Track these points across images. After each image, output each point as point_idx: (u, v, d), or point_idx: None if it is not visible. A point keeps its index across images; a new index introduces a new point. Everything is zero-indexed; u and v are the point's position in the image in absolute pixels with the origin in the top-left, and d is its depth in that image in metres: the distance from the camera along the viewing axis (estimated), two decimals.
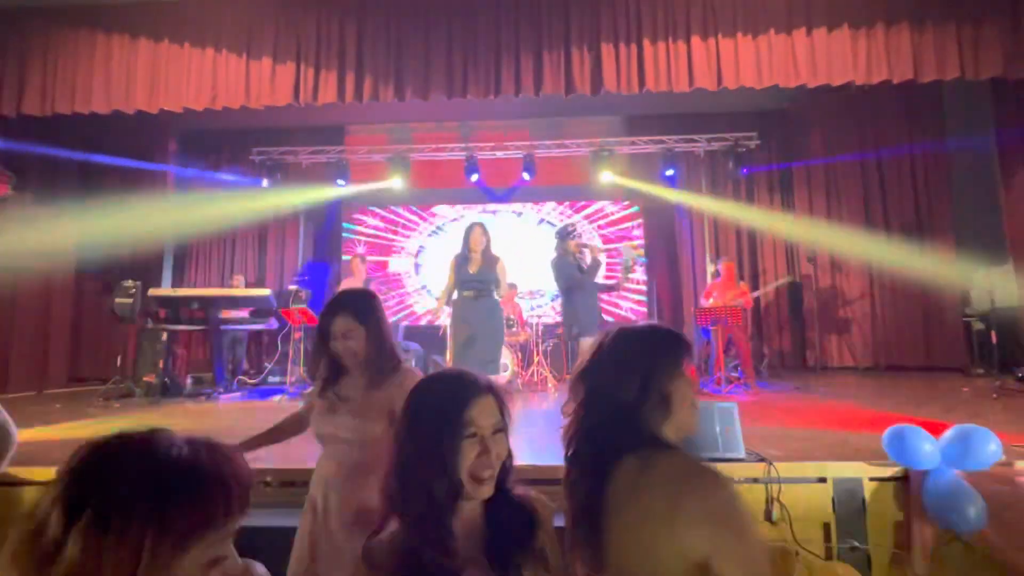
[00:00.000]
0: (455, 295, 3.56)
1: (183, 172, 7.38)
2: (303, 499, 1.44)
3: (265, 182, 6.90)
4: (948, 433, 2.37)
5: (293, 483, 2.11)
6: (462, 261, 3.56)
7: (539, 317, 6.34)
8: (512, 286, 6.22)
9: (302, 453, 2.80)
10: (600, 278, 4.15)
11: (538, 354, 5.82)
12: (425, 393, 0.93)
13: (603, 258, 4.03)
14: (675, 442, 0.95)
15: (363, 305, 1.44)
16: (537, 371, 5.80)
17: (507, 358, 5.42)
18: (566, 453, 1.01)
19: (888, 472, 2.15)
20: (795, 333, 6.82)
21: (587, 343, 3.73)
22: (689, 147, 6.88)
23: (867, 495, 2.13)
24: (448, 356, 3.41)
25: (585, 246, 4.04)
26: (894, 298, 6.37)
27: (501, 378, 5.14)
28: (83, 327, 6.69)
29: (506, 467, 0.93)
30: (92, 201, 6.80)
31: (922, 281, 6.08)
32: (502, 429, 0.92)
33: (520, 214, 7.58)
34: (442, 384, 0.95)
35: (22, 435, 2.01)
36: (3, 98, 5.05)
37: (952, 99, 6.02)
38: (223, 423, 3.83)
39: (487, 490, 0.88)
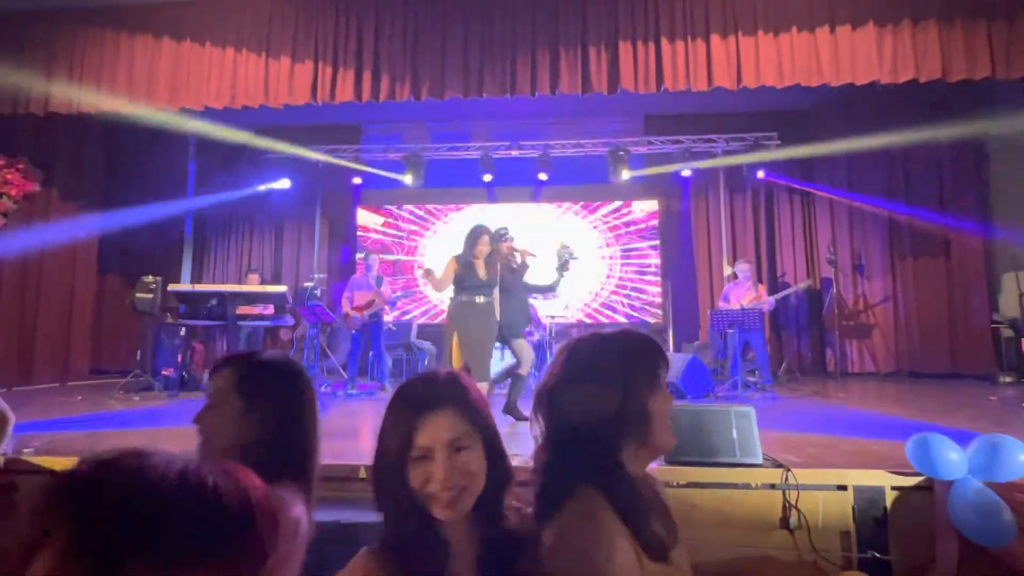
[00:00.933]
0: (461, 297, 3.50)
1: (202, 169, 7.51)
2: (343, 495, 1.42)
3: (287, 182, 6.98)
4: (975, 442, 2.29)
5: (332, 478, 2.13)
6: (467, 265, 3.50)
7: (552, 317, 6.31)
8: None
9: (341, 448, 2.82)
10: (542, 280, 4.16)
11: (550, 354, 5.79)
12: (388, 406, 0.86)
13: (532, 261, 4.02)
14: (634, 472, 0.85)
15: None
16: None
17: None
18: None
19: (912, 481, 2.09)
20: (814, 337, 6.69)
21: (516, 344, 3.87)
22: (707, 147, 6.79)
23: (889, 504, 2.07)
24: (453, 356, 3.37)
25: (516, 249, 4.02)
26: (919, 302, 6.21)
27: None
28: (105, 321, 6.84)
29: (492, 483, 0.82)
30: (115, 198, 6.96)
31: (948, 285, 5.91)
32: (465, 447, 0.81)
33: (535, 214, 7.56)
34: (399, 399, 0.86)
35: (46, 426, 2.05)
36: (31, 98, 5.19)
37: (983, 98, 5.84)
38: None
39: (448, 511, 0.80)
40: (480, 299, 3.50)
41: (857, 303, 6.50)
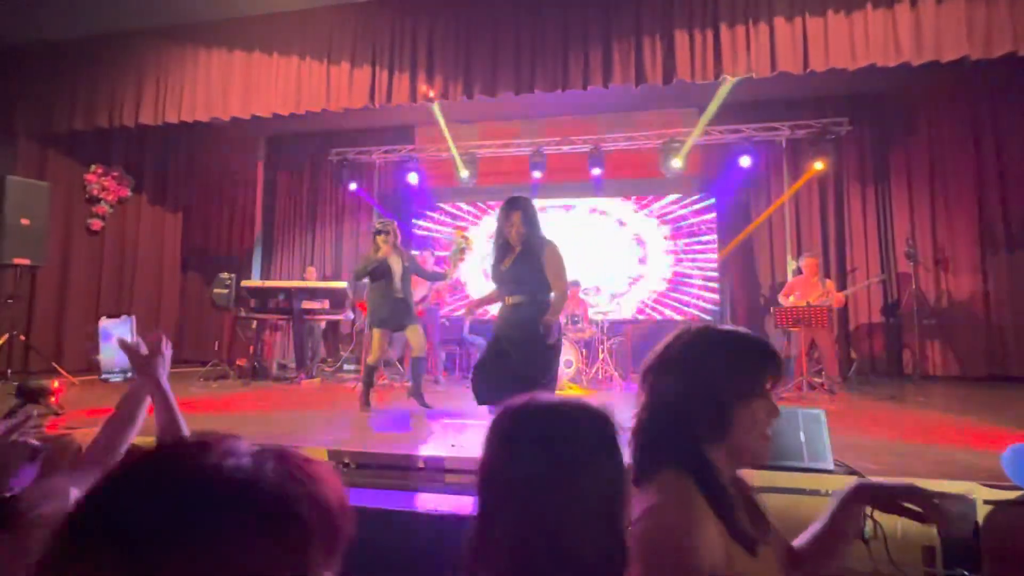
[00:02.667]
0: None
1: (270, 173, 7.98)
2: (378, 481, 1.50)
3: (353, 185, 7.29)
4: None
5: (368, 466, 2.23)
6: (496, 251, 3.00)
7: (605, 314, 6.23)
8: (575, 283, 6.16)
9: (377, 438, 2.95)
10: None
11: (603, 351, 5.73)
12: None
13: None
14: (723, 466, 0.83)
15: None
16: (602, 368, 5.71)
17: (571, 354, 5.39)
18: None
19: (1009, 495, 1.91)
20: (890, 337, 6.22)
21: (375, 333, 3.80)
22: (770, 135, 6.45)
23: (981, 520, 1.90)
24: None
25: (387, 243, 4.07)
26: (1012, 300, 5.63)
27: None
28: (187, 314, 7.45)
29: None
30: (195, 200, 7.55)
31: None
32: None
33: (586, 209, 7.48)
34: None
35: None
36: (124, 111, 5.71)
37: None
38: (311, 403, 4.12)
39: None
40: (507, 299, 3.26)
41: (940, 300, 5.98)
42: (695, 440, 0.82)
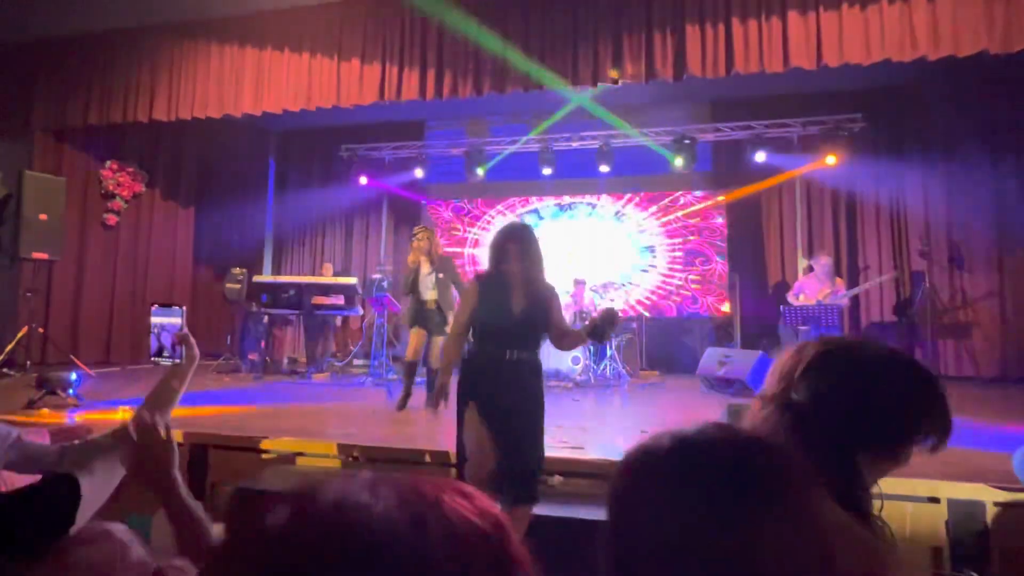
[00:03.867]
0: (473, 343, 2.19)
1: (281, 168, 8.05)
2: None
3: (364, 179, 7.32)
4: None
5: (377, 460, 2.26)
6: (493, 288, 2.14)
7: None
8: (581, 281, 6.15)
9: (386, 432, 2.99)
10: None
11: (611, 348, 5.73)
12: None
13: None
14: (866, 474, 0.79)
15: None
16: (610, 365, 5.71)
17: (578, 351, 5.39)
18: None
19: (1019, 497, 1.90)
20: (901, 336, 6.14)
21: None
22: (782, 132, 6.38)
23: (990, 521, 1.89)
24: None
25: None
26: None
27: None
28: (199, 308, 7.55)
29: None
30: (207, 196, 7.63)
31: None
32: None
33: (595, 206, 7.46)
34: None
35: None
36: (138, 106, 5.79)
37: None
38: (321, 397, 4.17)
39: None
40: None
41: (954, 299, 5.90)
42: (852, 448, 0.79)
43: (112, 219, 6.66)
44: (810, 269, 5.48)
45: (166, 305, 1.19)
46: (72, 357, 5.24)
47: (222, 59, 5.58)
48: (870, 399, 0.79)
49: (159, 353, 1.17)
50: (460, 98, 5.18)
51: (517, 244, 2.11)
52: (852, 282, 6.06)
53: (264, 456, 2.32)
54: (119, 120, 5.86)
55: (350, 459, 2.16)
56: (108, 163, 6.61)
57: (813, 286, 5.10)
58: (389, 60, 5.20)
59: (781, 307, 5.27)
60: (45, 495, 0.89)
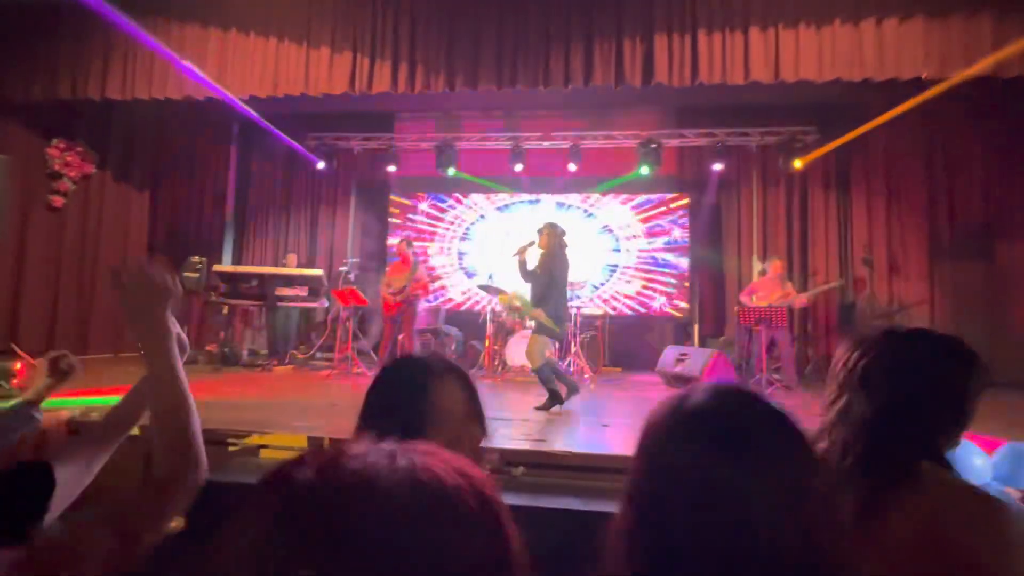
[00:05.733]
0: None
1: (244, 154, 7.79)
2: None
3: (321, 164, 7.18)
4: (1002, 450, 2.29)
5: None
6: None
7: (578, 308, 6.37)
8: None
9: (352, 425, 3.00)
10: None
11: (575, 345, 5.87)
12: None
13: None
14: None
15: None
16: (574, 361, 5.86)
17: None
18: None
19: None
20: (844, 338, 6.57)
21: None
22: (741, 140, 6.67)
23: None
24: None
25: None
26: (956, 306, 6.03)
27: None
28: None
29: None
30: (163, 181, 7.32)
31: (990, 291, 5.72)
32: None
33: (564, 204, 7.59)
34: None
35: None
36: (90, 83, 5.49)
37: None
38: (283, 390, 4.12)
39: None
40: None
41: (891, 305, 6.35)
42: (935, 436, 0.88)
43: (58, 201, 6.30)
44: (764, 272, 5.78)
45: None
46: (13, 346, 4.95)
47: (183, 38, 5.36)
48: (944, 388, 0.87)
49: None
50: (432, 92, 5.18)
51: None
52: (802, 286, 6.42)
53: (230, 448, 2.30)
54: (68, 96, 5.55)
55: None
56: (55, 141, 6.24)
57: (767, 288, 5.39)
58: (360, 50, 5.14)
59: (736, 307, 5.55)
60: (18, 482, 0.89)
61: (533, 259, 4.05)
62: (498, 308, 5.94)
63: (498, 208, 7.71)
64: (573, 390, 3.72)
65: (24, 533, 0.84)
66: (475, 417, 0.87)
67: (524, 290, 4.31)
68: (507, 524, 0.37)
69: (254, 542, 0.34)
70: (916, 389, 0.87)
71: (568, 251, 4.09)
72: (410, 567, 0.32)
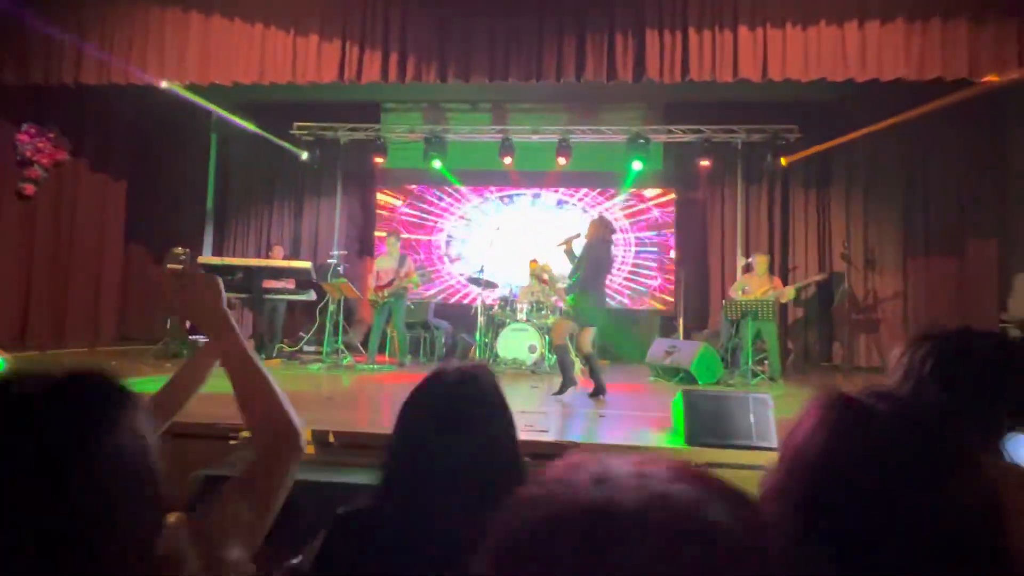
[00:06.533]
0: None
1: (225, 143, 7.59)
2: (364, 461, 1.55)
3: (304, 155, 7.05)
4: None
5: (352, 445, 2.29)
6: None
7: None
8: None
9: (349, 417, 3.00)
10: None
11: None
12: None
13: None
14: None
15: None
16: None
17: (536, 340, 5.56)
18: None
19: None
20: (823, 330, 6.79)
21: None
22: (727, 137, 6.79)
23: None
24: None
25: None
26: (928, 299, 6.29)
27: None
28: (131, 289, 7.03)
29: None
30: (141, 169, 7.08)
31: (959, 284, 5.97)
32: None
33: (552, 198, 7.61)
34: None
35: None
36: (63, 67, 5.26)
37: (1014, 97, 5.81)
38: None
39: None
40: None
41: (867, 298, 6.59)
42: (996, 428, 0.88)
43: (29, 188, 6.04)
44: (748, 267, 5.92)
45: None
46: None
47: (163, 22, 5.19)
48: (1010, 388, 0.89)
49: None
50: (423, 83, 5.13)
51: None
52: (784, 280, 6.61)
53: (232, 443, 2.28)
54: (40, 82, 5.32)
55: (325, 444, 2.18)
56: (24, 126, 5.97)
57: (754, 282, 5.53)
58: (350, 39, 5.06)
59: (723, 300, 5.67)
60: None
61: (577, 249, 4.22)
62: (511, 291, 5.98)
63: (486, 200, 7.70)
64: (571, 383, 3.80)
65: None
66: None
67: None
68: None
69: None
70: (984, 383, 0.90)
71: (612, 246, 4.29)
72: None
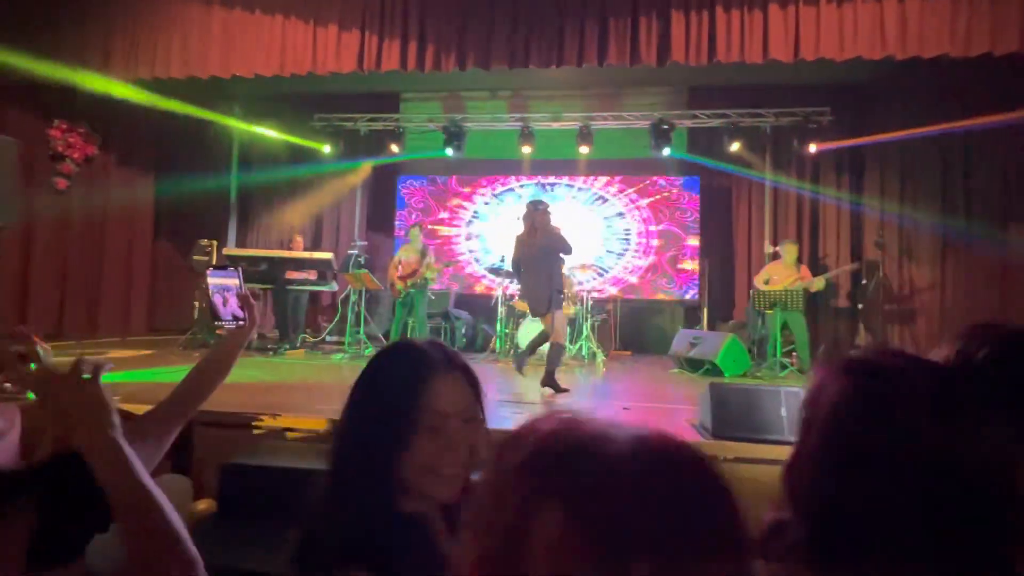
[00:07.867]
0: None
1: (247, 136, 7.66)
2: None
3: (327, 148, 7.08)
4: None
5: None
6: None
7: (588, 291, 6.35)
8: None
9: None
10: None
11: (587, 328, 5.86)
12: (385, 364, 0.77)
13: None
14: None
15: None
16: (585, 345, 5.86)
17: None
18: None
19: None
20: (854, 321, 6.56)
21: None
22: (755, 121, 6.56)
23: None
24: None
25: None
26: (968, 289, 6.00)
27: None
28: (159, 281, 7.20)
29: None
30: (167, 163, 7.22)
31: (1003, 275, 5.69)
32: (474, 419, 0.73)
33: (573, 187, 7.51)
34: (402, 354, 0.78)
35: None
36: (91, 64, 5.36)
37: None
38: (299, 373, 4.11)
39: (455, 495, 0.69)
40: None
41: (902, 288, 6.33)
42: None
43: (62, 183, 6.21)
44: (774, 255, 5.74)
45: (220, 267, 1.15)
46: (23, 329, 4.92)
47: (186, 16, 5.23)
48: None
49: (223, 317, 1.13)
50: (442, 72, 5.07)
51: None
52: (813, 270, 6.39)
53: (255, 432, 2.30)
54: (70, 77, 5.42)
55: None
56: (56, 122, 6.13)
57: (780, 272, 5.36)
58: (369, 28, 5.02)
59: (750, 291, 5.52)
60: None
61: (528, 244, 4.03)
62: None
63: (508, 191, 7.63)
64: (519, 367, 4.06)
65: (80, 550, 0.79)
66: (476, 422, 0.73)
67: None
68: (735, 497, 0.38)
69: (502, 480, 0.37)
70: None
71: (555, 223, 4.13)
72: (644, 505, 0.33)
